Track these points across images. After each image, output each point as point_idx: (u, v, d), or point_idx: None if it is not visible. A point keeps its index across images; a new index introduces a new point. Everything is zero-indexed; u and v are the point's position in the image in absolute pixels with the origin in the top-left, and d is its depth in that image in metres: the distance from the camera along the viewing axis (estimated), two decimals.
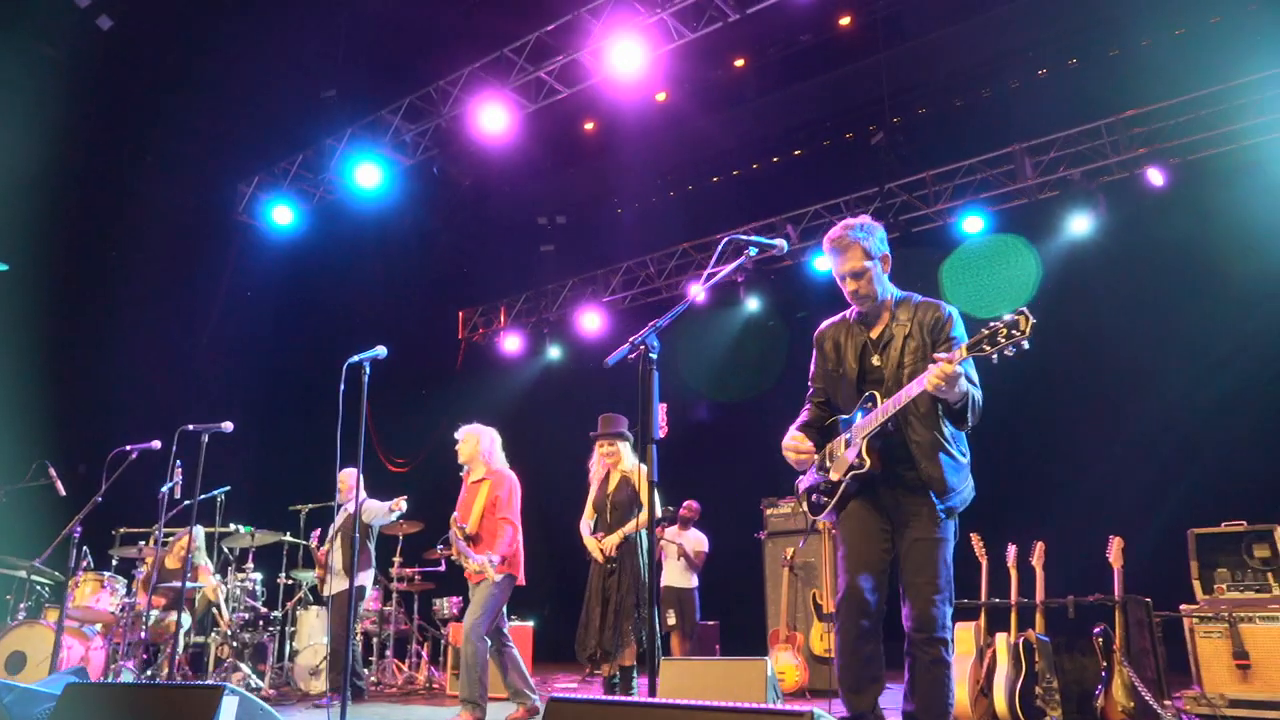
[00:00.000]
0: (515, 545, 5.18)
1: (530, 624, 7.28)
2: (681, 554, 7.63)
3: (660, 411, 2.55)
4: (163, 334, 9.42)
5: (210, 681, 4.86)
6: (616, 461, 5.60)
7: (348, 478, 6.88)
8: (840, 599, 3.10)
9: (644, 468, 5.48)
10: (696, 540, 7.79)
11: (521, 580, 5.27)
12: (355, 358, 3.83)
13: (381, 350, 3.94)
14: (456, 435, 5.50)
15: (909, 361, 3.07)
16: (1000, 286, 9.05)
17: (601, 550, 5.38)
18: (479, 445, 5.37)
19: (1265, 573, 4.67)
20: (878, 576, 3.07)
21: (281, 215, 10.57)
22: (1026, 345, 2.70)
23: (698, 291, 2.88)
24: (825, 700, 6.17)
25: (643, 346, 2.56)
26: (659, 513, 6.33)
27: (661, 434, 2.55)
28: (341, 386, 3.71)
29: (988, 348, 2.75)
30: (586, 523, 5.63)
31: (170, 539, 7.24)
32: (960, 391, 2.88)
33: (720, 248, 2.85)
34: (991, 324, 2.77)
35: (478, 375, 12.80)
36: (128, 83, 9.42)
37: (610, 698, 3.67)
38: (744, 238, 2.97)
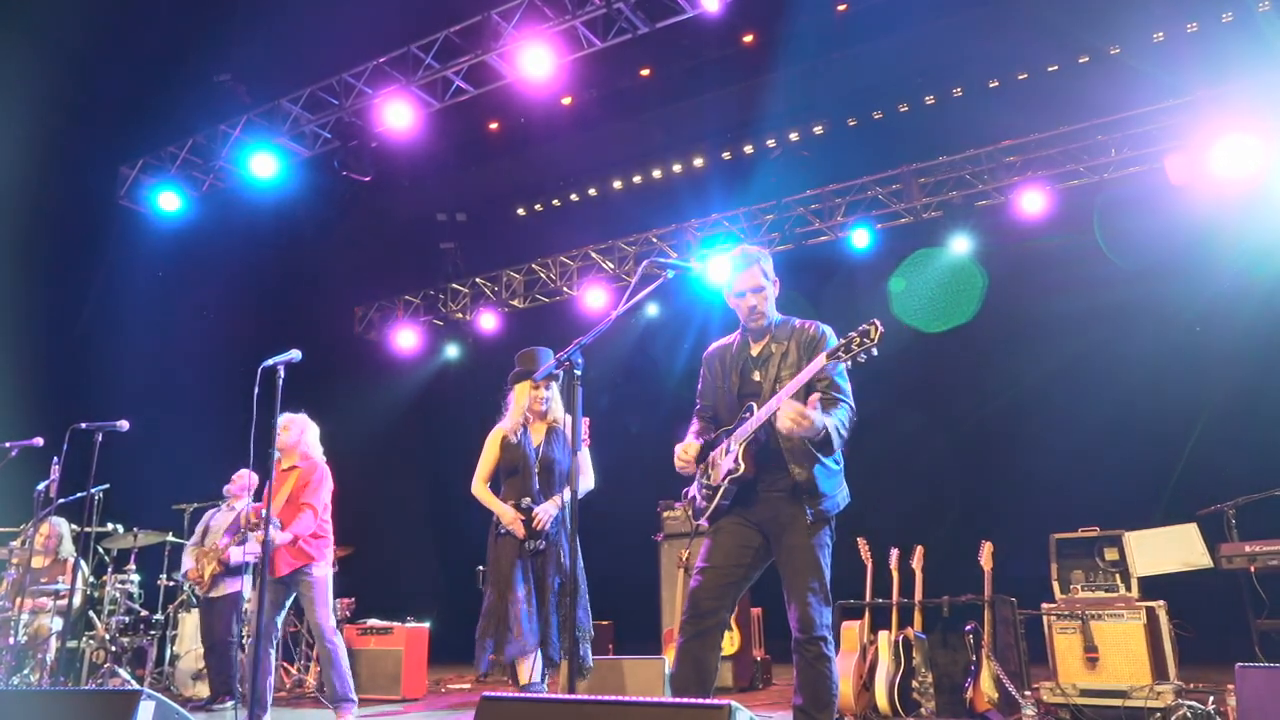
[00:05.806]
0: (313, 530, 4.99)
1: (426, 625, 7.26)
2: None
3: (584, 425, 2.68)
4: (35, 322, 8.89)
5: (127, 686, 4.70)
6: (545, 410, 4.25)
7: (240, 479, 6.74)
8: (685, 604, 3.32)
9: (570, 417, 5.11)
10: None
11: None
12: (270, 361, 3.77)
13: (296, 354, 3.88)
14: (278, 422, 4.90)
15: (785, 375, 3.27)
16: (947, 299, 9.48)
17: (537, 522, 4.25)
18: (297, 434, 5.18)
19: (1113, 574, 5.14)
20: (723, 586, 3.31)
21: (168, 202, 10.11)
22: (875, 352, 2.97)
23: (616, 312, 3.01)
24: (723, 698, 6.41)
25: (568, 363, 2.69)
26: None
27: (584, 444, 2.68)
28: (256, 389, 3.66)
29: (843, 355, 3.02)
30: (483, 485, 4.44)
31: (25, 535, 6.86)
32: (817, 427, 3.07)
33: (639, 273, 2.99)
34: (848, 334, 3.04)
35: (372, 372, 12.56)
36: None
37: (540, 695, 3.76)
38: (661, 260, 3.14)
